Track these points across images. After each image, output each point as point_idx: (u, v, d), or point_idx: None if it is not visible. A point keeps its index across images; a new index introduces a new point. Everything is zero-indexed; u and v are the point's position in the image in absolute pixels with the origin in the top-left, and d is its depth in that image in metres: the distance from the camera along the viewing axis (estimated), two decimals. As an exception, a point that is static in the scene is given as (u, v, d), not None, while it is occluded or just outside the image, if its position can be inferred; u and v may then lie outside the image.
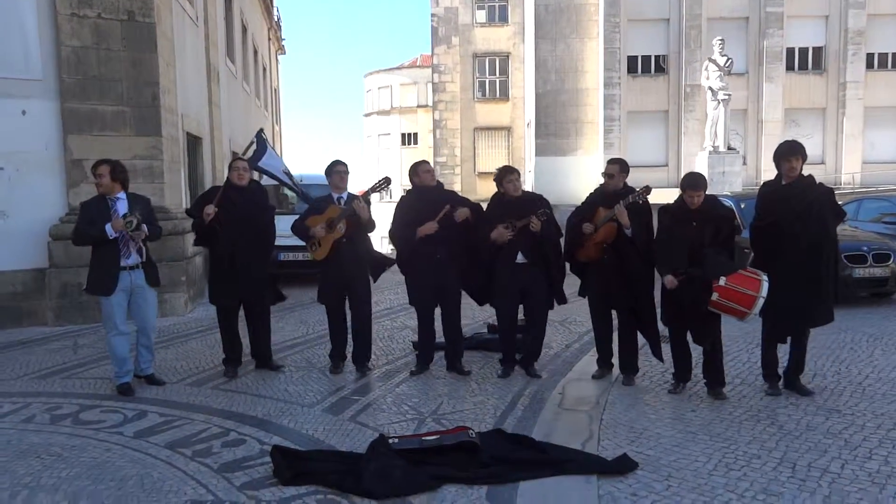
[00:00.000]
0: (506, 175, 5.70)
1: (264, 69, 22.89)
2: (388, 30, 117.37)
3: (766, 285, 4.80)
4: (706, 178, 5.30)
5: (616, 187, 5.51)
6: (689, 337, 5.26)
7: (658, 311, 5.44)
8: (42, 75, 8.26)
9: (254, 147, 6.85)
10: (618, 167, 5.55)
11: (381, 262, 6.12)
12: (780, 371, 5.27)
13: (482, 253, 5.72)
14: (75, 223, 5.49)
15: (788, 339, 5.20)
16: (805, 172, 5.08)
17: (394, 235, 5.93)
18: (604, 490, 3.63)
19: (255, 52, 20.58)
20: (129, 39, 8.47)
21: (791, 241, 4.95)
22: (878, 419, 4.60)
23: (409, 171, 5.96)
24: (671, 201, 5.31)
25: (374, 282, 6.08)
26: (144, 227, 5.40)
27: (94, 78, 8.36)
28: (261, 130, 7.30)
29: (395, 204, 6.13)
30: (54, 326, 8.21)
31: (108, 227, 5.31)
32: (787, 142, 5.19)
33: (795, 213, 4.94)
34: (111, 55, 8.43)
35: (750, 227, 5.35)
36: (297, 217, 6.10)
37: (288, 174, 7.04)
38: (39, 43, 8.23)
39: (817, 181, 5.13)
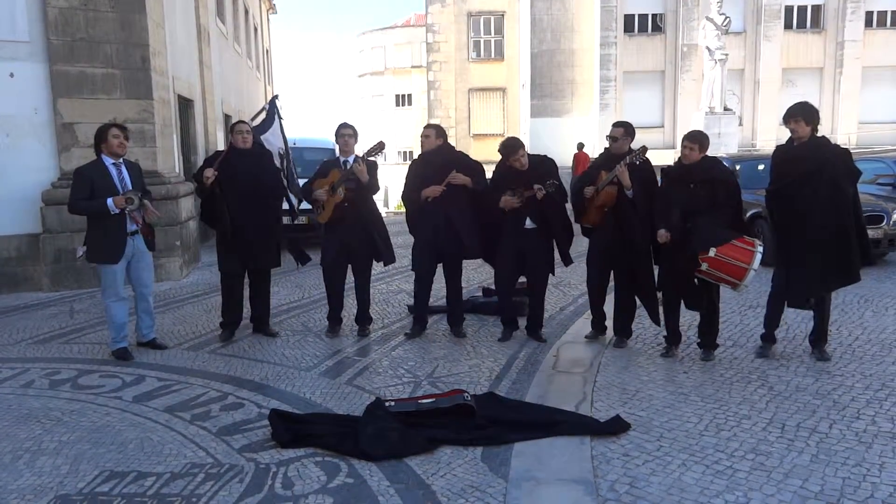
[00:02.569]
0: (512, 153, 5.53)
1: (255, 29, 22.49)
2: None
3: (759, 257, 4.79)
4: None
5: (620, 150, 5.43)
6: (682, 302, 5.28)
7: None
8: (29, 37, 8.12)
9: (262, 116, 6.66)
10: (622, 130, 5.45)
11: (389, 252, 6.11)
12: (777, 335, 5.30)
13: (488, 216, 5.72)
14: (70, 192, 5.38)
15: (811, 302, 5.13)
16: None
17: (405, 199, 6.01)
18: (597, 451, 3.69)
19: (246, 12, 20.21)
20: (117, 0, 8.32)
21: (805, 202, 4.90)
22: (866, 380, 4.67)
23: None
24: (667, 163, 5.29)
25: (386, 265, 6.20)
26: (147, 203, 5.42)
27: (82, 40, 8.22)
28: (275, 97, 7.06)
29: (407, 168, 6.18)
30: (50, 292, 8.23)
31: (109, 202, 5.26)
32: (794, 104, 5.12)
33: (808, 174, 4.89)
34: (99, 16, 8.28)
35: (766, 192, 5.30)
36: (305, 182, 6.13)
37: (284, 157, 6.80)
38: (26, 3, 8.06)
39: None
